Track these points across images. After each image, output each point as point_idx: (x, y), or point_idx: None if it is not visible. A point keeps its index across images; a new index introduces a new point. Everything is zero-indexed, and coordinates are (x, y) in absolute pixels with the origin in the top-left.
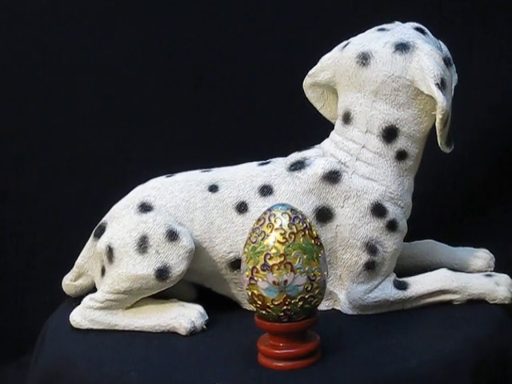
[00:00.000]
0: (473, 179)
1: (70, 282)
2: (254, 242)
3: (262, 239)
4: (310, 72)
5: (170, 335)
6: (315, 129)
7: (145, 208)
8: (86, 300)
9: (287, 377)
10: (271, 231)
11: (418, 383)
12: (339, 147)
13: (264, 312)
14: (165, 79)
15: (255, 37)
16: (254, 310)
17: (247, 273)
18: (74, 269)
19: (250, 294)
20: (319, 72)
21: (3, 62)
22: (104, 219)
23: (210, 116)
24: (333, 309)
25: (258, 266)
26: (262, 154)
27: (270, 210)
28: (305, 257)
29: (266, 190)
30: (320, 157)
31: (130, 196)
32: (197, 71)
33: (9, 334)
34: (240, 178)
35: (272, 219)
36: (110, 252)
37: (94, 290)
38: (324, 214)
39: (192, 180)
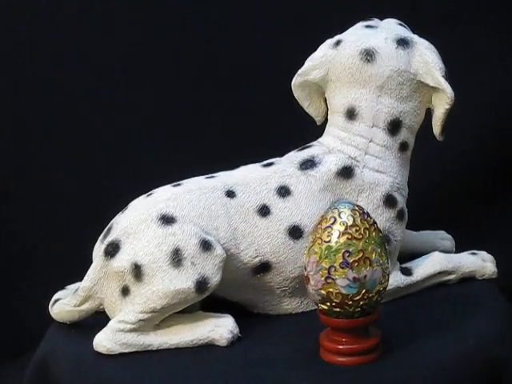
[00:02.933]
0: (472, 177)
1: (72, 308)
2: (328, 242)
3: (338, 237)
4: (300, 71)
5: (204, 348)
6: (304, 127)
7: (167, 220)
8: (114, 323)
9: (364, 371)
10: (346, 229)
11: (481, 360)
12: (346, 143)
13: (338, 309)
14: (161, 81)
15: (254, 36)
16: (325, 308)
17: (322, 272)
18: (80, 293)
19: (324, 293)
20: (311, 70)
21: (4, 60)
22: (115, 236)
23: (202, 119)
24: None
25: (336, 265)
26: (256, 154)
27: (335, 208)
28: (379, 250)
29: (283, 191)
30: (328, 154)
31: (141, 209)
32: (193, 72)
33: (9, 334)
34: (253, 181)
35: (343, 217)
36: (137, 270)
37: (98, 313)
38: None
39: (205, 187)
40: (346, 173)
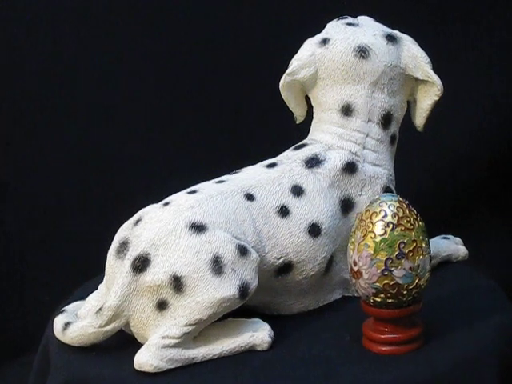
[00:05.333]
0: (472, 176)
1: (97, 329)
2: (383, 234)
3: (392, 230)
4: (289, 70)
5: (246, 354)
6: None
7: (198, 228)
8: (158, 340)
9: (415, 359)
10: (398, 221)
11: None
12: (345, 139)
13: (391, 300)
14: (158, 82)
15: (253, 37)
16: (379, 301)
17: (377, 265)
18: (106, 312)
19: (380, 286)
20: (300, 70)
21: (4, 59)
22: (142, 250)
23: (200, 120)
24: (343, 296)
25: (393, 256)
26: (250, 153)
27: (382, 201)
28: (426, 239)
29: (296, 190)
30: (329, 151)
31: (165, 219)
32: (190, 72)
33: (9, 334)
34: (266, 182)
35: (393, 209)
36: (176, 282)
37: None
38: (347, 205)
39: (224, 192)
40: (350, 168)
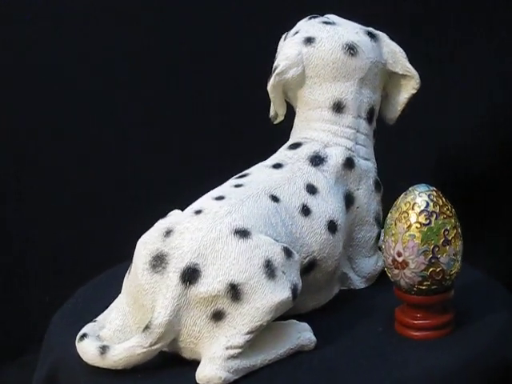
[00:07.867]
0: (473, 174)
1: (147, 349)
2: (428, 224)
3: (436, 218)
4: (279, 70)
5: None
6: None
7: (242, 233)
8: (222, 351)
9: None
10: (439, 209)
11: None
12: (339, 135)
13: (435, 287)
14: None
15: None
16: (423, 288)
17: (424, 255)
18: (157, 330)
19: (427, 273)
20: (288, 69)
21: (4, 59)
22: (189, 261)
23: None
24: (340, 290)
25: (440, 244)
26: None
27: (421, 192)
28: (460, 224)
29: (310, 189)
30: (327, 148)
31: (206, 227)
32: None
33: (9, 334)
34: (283, 182)
35: (433, 199)
36: (233, 290)
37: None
38: (349, 200)
39: (252, 196)
40: (349, 164)
